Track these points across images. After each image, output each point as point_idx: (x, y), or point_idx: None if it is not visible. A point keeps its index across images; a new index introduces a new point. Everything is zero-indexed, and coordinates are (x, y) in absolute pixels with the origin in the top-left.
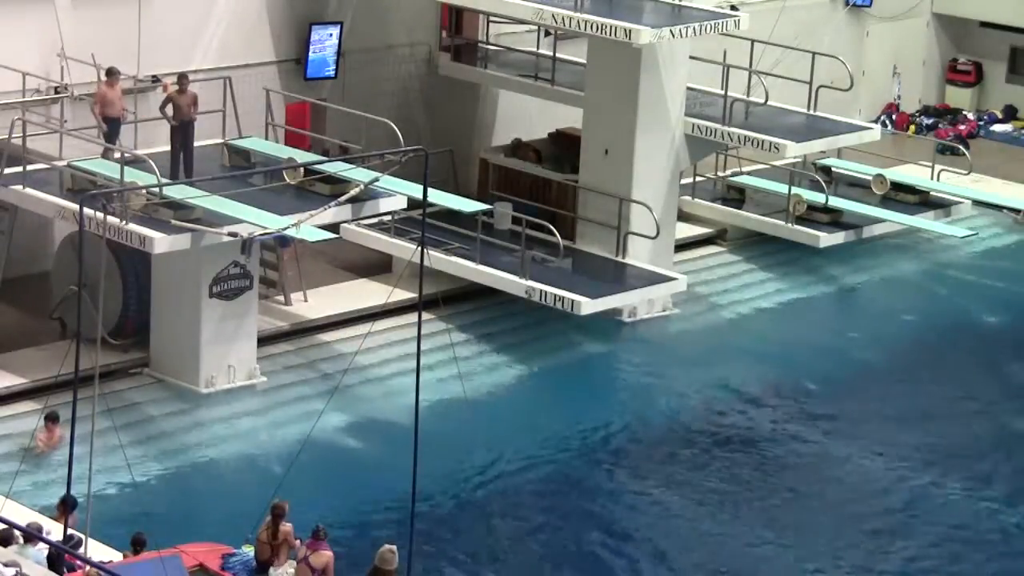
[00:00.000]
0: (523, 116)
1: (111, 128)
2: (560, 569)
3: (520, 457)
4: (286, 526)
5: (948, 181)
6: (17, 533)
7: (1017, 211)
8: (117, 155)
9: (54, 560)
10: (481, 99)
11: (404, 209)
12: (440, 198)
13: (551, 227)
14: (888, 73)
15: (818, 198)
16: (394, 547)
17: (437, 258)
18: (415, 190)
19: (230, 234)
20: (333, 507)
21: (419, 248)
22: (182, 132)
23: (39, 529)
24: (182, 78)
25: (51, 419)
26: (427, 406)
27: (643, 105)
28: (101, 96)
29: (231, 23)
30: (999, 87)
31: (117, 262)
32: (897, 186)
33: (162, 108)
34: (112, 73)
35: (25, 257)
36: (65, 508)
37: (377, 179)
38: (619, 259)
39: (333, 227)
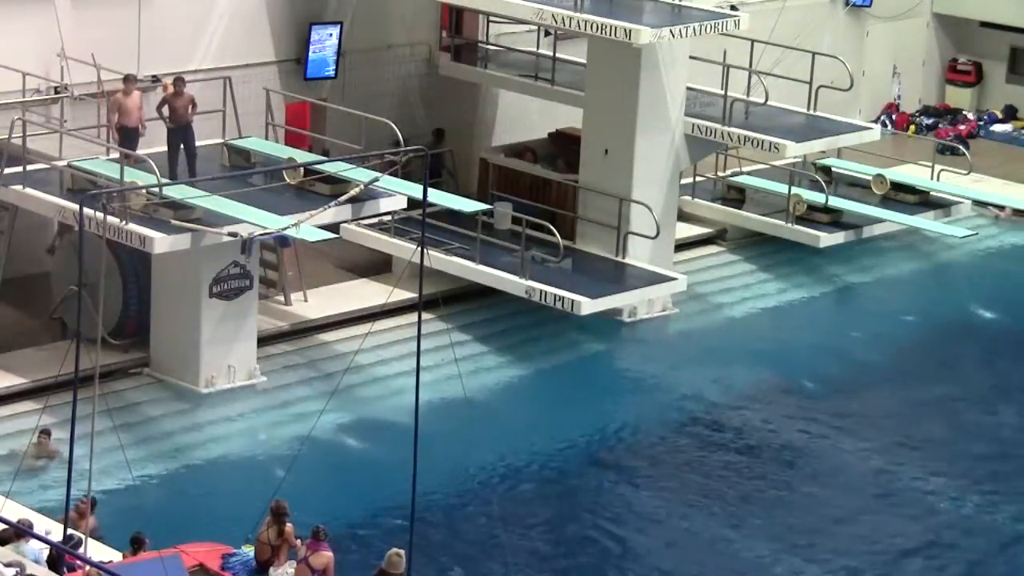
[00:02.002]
0: (523, 116)
1: (126, 138)
2: (560, 569)
3: (520, 457)
4: (288, 526)
5: (948, 181)
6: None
7: (1001, 207)
8: (138, 163)
9: (55, 560)
10: (481, 99)
11: (404, 209)
12: (440, 198)
13: (551, 227)
14: (888, 73)
15: (818, 198)
16: (402, 551)
17: (437, 258)
18: (415, 190)
19: (230, 234)
20: (333, 507)
21: (419, 248)
22: (181, 135)
23: (30, 526)
24: (177, 81)
25: (45, 433)
26: (427, 406)
27: (643, 105)
28: (118, 105)
29: (231, 23)
30: (999, 87)
31: (117, 262)
32: (897, 186)
33: (159, 110)
34: (127, 80)
35: (25, 257)
36: (87, 510)
37: (377, 179)
38: (619, 259)
39: (333, 227)
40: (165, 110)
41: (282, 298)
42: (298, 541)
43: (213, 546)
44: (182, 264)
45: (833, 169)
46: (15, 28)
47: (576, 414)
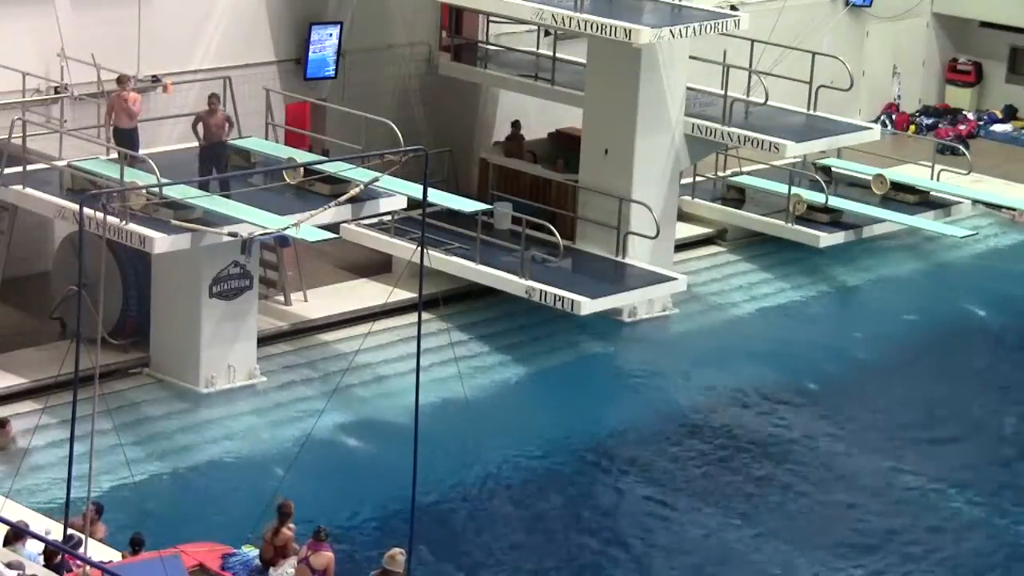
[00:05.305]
0: (523, 116)
1: (121, 139)
2: (560, 569)
3: (520, 457)
4: (287, 532)
5: (948, 181)
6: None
7: (1013, 209)
8: (142, 163)
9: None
10: (481, 99)
11: (404, 209)
12: (440, 198)
13: (551, 227)
14: (888, 73)
15: (818, 198)
16: (403, 550)
17: (437, 258)
18: (415, 190)
19: (230, 234)
20: (333, 507)
21: (419, 248)
22: (212, 153)
23: (26, 527)
24: (212, 97)
25: (1, 424)
26: (427, 406)
27: (643, 105)
28: (110, 107)
29: (231, 23)
30: (999, 87)
31: (117, 262)
32: (897, 186)
33: (193, 127)
34: (120, 81)
35: (25, 257)
36: (93, 515)
37: (377, 179)
38: (619, 259)
39: (333, 227)
40: (200, 128)
41: (282, 298)
42: (297, 546)
43: (213, 546)
44: (182, 264)
45: (833, 169)
46: (15, 28)
47: (576, 414)
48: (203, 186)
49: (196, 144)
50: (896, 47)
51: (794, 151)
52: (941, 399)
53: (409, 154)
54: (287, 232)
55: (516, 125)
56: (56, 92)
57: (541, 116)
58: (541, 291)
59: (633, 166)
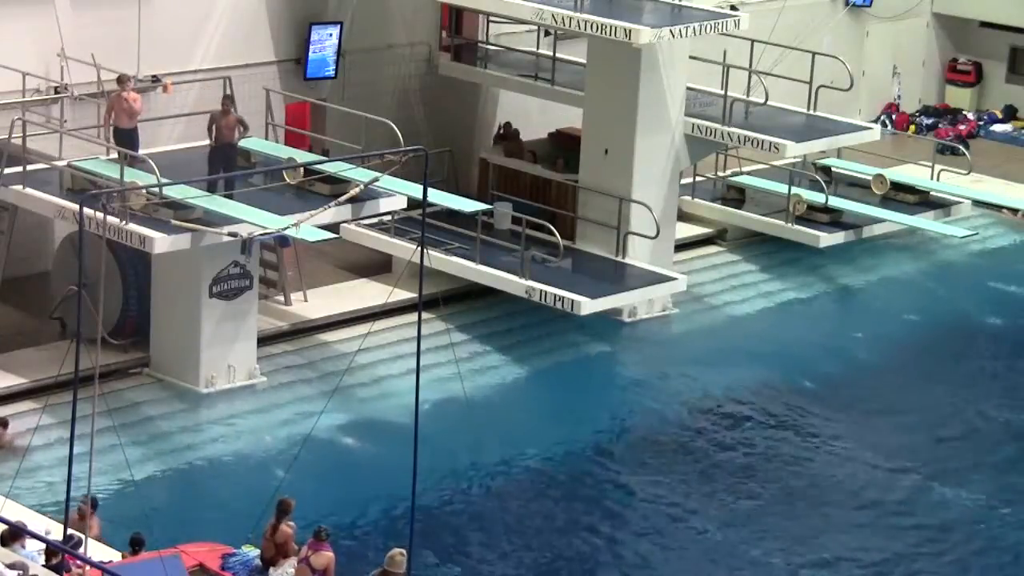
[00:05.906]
0: (523, 116)
1: (121, 140)
2: (560, 569)
3: (519, 457)
4: (286, 529)
5: (948, 181)
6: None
7: (1016, 210)
8: (142, 163)
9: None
10: (481, 99)
11: (404, 209)
12: (440, 198)
13: (551, 227)
14: (888, 73)
15: (818, 198)
16: (404, 551)
17: (437, 258)
18: (415, 190)
19: (230, 234)
20: (333, 507)
21: (419, 248)
22: (222, 154)
23: (24, 527)
24: (226, 99)
25: (1, 424)
26: (427, 406)
27: (643, 105)
28: (109, 107)
29: (231, 23)
30: (999, 87)
31: (117, 262)
32: (897, 186)
33: (208, 128)
34: (120, 81)
35: (25, 257)
36: (89, 510)
37: (377, 179)
38: (619, 259)
39: (333, 227)
40: (213, 130)
41: (282, 298)
42: (296, 546)
43: (213, 546)
44: (182, 264)
45: (833, 169)
46: (15, 28)
47: (576, 414)
48: (208, 186)
49: (195, 144)
50: (896, 47)
51: (794, 151)
52: (941, 399)
53: (409, 154)
54: (287, 232)
55: (506, 127)
56: (56, 92)
57: (541, 116)
58: (541, 291)
59: (633, 166)
